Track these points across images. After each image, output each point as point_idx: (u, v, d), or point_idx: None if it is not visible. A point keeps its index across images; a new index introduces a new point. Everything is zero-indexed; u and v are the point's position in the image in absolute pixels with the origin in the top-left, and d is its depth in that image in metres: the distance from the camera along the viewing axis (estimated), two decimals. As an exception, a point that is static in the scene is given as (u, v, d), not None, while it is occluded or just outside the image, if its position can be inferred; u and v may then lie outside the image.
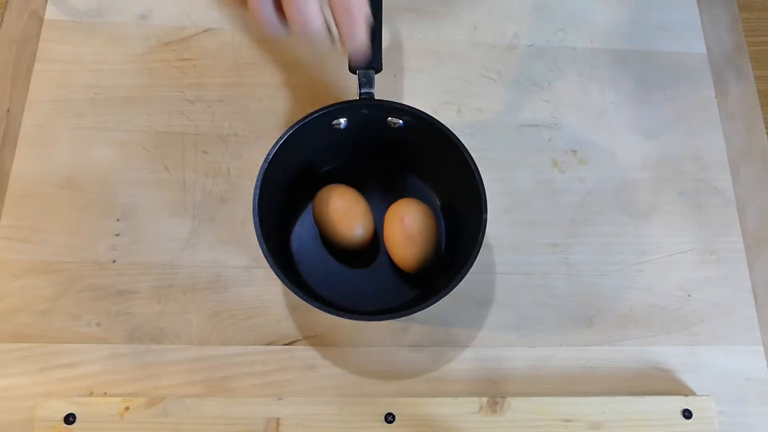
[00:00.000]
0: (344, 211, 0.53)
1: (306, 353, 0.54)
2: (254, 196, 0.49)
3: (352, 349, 0.54)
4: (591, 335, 0.56)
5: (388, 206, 0.55)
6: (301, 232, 0.56)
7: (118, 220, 0.56)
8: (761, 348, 0.57)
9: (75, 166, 0.58)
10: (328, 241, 0.55)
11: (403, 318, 0.54)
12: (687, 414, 0.52)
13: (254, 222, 0.48)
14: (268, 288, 0.55)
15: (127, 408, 0.49)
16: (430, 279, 0.55)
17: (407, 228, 0.52)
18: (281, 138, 0.51)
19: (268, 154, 0.50)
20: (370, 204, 0.55)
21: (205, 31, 0.64)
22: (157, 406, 0.49)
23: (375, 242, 0.55)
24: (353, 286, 0.55)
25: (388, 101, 0.53)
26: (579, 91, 0.65)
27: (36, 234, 0.55)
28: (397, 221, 0.53)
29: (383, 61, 0.54)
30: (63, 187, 0.57)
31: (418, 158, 0.57)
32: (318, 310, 0.47)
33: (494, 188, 0.58)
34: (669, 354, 0.56)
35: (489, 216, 0.49)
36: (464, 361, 0.54)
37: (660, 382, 0.55)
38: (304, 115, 0.52)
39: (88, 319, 0.53)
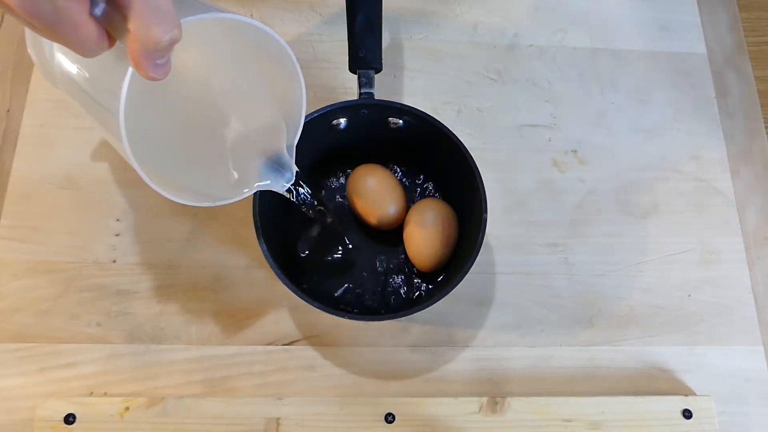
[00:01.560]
0: (379, 188, 0.54)
1: (306, 353, 0.54)
2: (254, 195, 0.49)
3: (352, 349, 0.54)
4: (591, 335, 0.56)
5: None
6: (302, 230, 0.56)
7: (118, 220, 0.56)
8: (761, 348, 0.57)
9: (75, 166, 0.58)
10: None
11: (403, 318, 0.54)
12: (687, 414, 0.52)
13: (254, 222, 0.48)
14: (268, 288, 0.55)
15: (127, 408, 0.49)
16: (430, 279, 0.55)
17: (427, 227, 0.53)
18: (281, 138, 0.51)
19: (269, 154, 0.50)
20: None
21: (205, 31, 0.64)
22: (157, 406, 0.49)
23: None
24: (355, 283, 0.55)
25: (388, 101, 0.53)
26: (579, 91, 0.65)
27: (36, 234, 0.55)
28: (417, 219, 0.53)
29: (383, 61, 0.54)
30: (63, 187, 0.57)
31: (418, 158, 0.57)
32: (318, 310, 0.47)
33: (494, 188, 0.58)
34: (669, 354, 0.56)
35: (489, 216, 0.49)
36: (464, 361, 0.54)
37: (660, 382, 0.55)
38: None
39: (88, 319, 0.53)
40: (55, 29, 0.29)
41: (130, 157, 0.36)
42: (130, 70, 0.32)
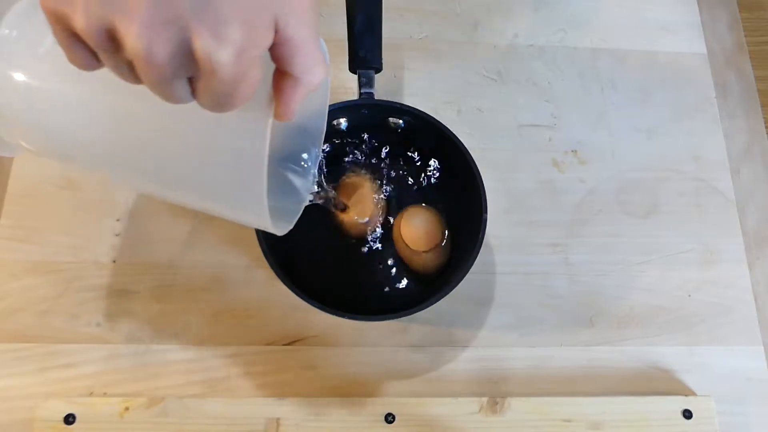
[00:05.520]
0: (354, 198, 0.54)
1: (306, 353, 0.54)
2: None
3: (352, 349, 0.54)
4: (591, 335, 0.56)
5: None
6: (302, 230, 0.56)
7: (118, 220, 0.56)
8: (761, 348, 0.57)
9: (75, 166, 0.58)
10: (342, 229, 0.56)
11: (403, 318, 0.54)
12: (687, 414, 0.52)
13: (254, 222, 0.48)
14: (268, 288, 0.55)
15: (127, 408, 0.49)
16: (430, 279, 0.55)
17: (415, 231, 0.53)
18: (281, 138, 0.51)
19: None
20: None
21: (205, 31, 0.64)
22: (157, 406, 0.49)
23: (384, 236, 0.55)
24: (355, 284, 0.55)
25: (388, 101, 0.53)
26: (579, 91, 0.65)
27: (36, 234, 0.55)
28: (406, 223, 0.54)
29: (383, 61, 0.54)
30: (63, 187, 0.57)
31: (417, 158, 0.57)
32: (318, 310, 0.47)
33: (494, 188, 0.58)
34: (669, 354, 0.56)
35: (489, 216, 0.49)
36: (464, 361, 0.54)
37: (660, 382, 0.55)
38: (304, 115, 0.52)
39: (88, 319, 0.53)
40: (236, 90, 0.26)
41: (265, 216, 0.33)
42: (271, 119, 0.30)
